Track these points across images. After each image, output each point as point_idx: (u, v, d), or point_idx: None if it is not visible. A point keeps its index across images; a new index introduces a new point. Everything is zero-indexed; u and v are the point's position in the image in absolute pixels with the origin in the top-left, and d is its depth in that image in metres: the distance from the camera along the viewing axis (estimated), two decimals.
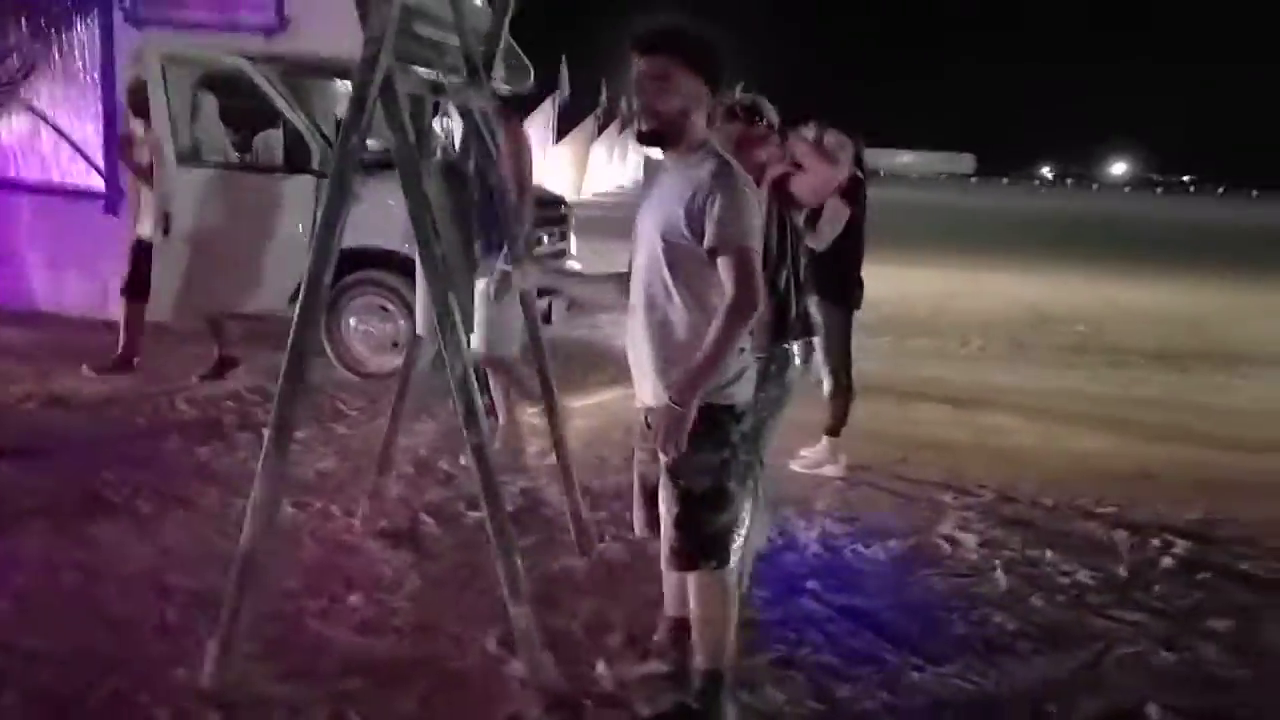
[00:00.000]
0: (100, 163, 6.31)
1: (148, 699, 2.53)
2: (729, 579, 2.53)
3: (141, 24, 5.99)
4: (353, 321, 5.99)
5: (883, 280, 10.64)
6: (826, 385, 4.66)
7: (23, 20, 6.20)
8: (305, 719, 2.50)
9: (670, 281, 2.36)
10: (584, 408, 5.55)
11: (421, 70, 3.73)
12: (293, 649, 2.84)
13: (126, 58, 5.96)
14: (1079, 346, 8.78)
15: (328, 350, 5.98)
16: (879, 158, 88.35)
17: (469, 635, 2.95)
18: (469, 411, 2.61)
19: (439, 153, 6.48)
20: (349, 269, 5.79)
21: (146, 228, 5.74)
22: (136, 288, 5.75)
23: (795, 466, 4.68)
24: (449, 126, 7.01)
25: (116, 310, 5.93)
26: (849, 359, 4.65)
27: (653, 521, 2.59)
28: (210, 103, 6.34)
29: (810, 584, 3.47)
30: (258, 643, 2.75)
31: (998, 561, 3.74)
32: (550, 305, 6.55)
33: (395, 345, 5.89)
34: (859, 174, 4.69)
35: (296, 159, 6.04)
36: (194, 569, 3.25)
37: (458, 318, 2.69)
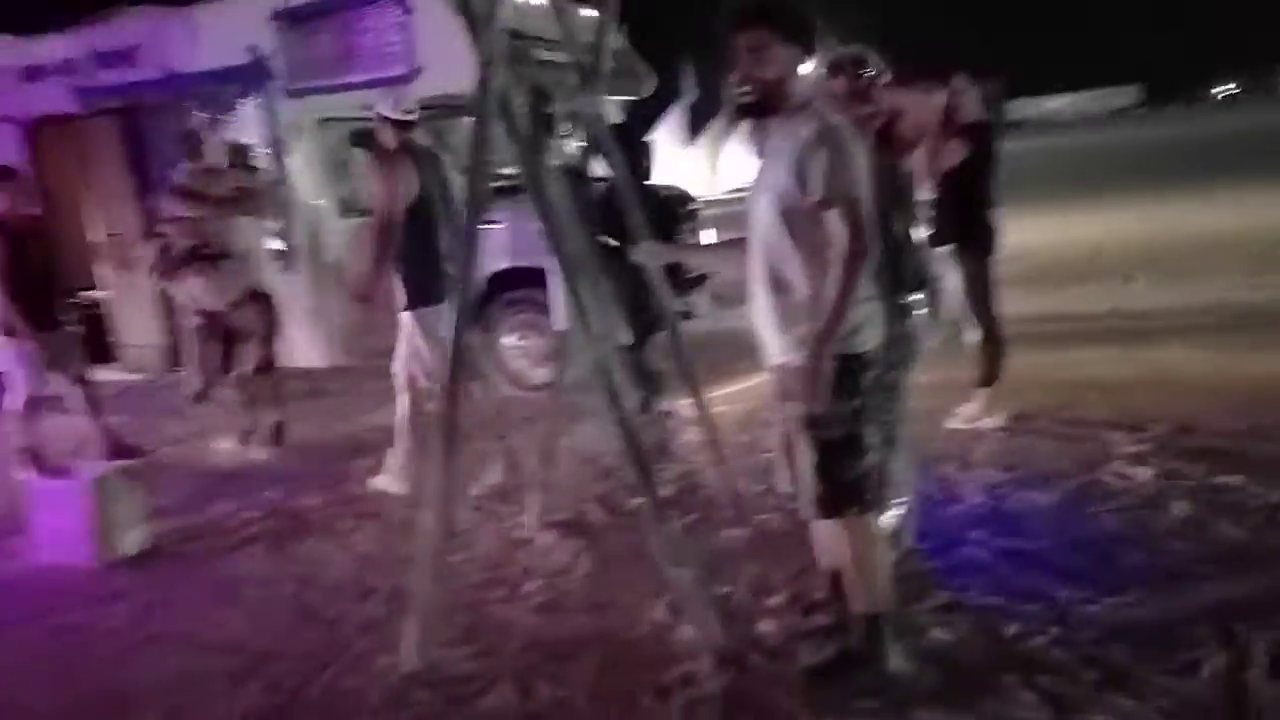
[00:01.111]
0: (279, 226, 6.94)
1: (362, 684, 2.84)
2: (872, 524, 2.58)
3: (297, 95, 6.58)
4: (509, 339, 6.34)
5: (1036, 230, 10.28)
6: (972, 336, 4.58)
7: (202, 112, 6.91)
8: (498, 689, 2.74)
9: (786, 242, 2.44)
10: (733, 394, 5.65)
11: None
12: (480, 632, 3.09)
13: (285, 128, 6.57)
14: (1258, 268, 8.07)
15: (488, 371, 6.34)
16: (1025, 108, 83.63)
17: (639, 608, 3.12)
18: (610, 392, 2.79)
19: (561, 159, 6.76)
20: (500, 290, 6.15)
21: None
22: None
23: (952, 424, 4.62)
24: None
25: (310, 356, 6.53)
26: (992, 306, 4.55)
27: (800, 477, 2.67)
28: (363, 156, 6.89)
29: (973, 533, 3.44)
30: (450, 630, 3.03)
31: (1177, 492, 3.57)
32: (693, 299, 6.70)
33: (551, 357, 6.20)
34: (985, 119, 4.60)
35: (445, 196, 6.46)
36: (389, 571, 3.58)
37: (591, 307, 2.87)
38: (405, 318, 4.46)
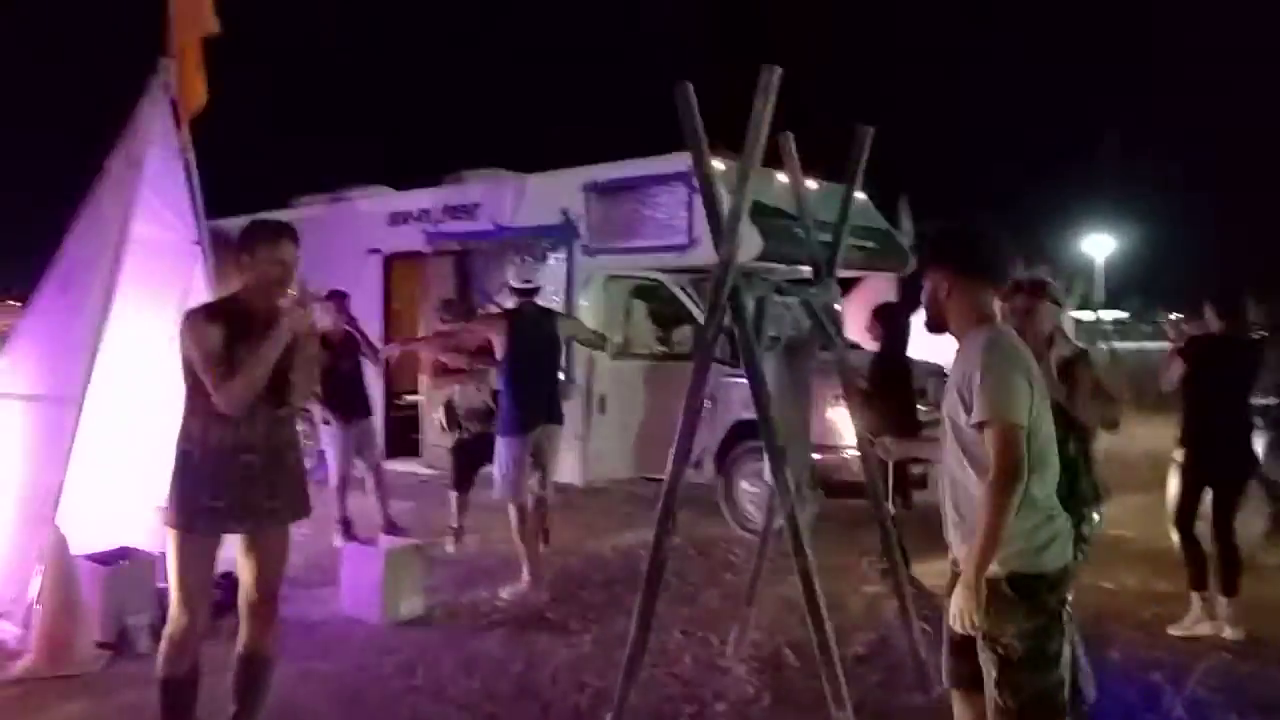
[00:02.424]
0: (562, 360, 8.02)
1: None
2: None
3: (594, 253, 7.74)
4: (744, 484, 6.85)
5: None
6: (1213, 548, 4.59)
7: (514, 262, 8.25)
8: None
9: (962, 456, 2.50)
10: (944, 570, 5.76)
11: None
12: None
13: (580, 279, 7.71)
14: None
15: (725, 511, 6.88)
16: None
17: None
18: (794, 539, 3.26)
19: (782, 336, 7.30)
20: (739, 439, 6.74)
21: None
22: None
23: (1174, 631, 4.54)
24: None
25: (569, 474, 7.41)
26: (1233, 527, 4.61)
27: (954, 674, 2.70)
28: (640, 308, 7.89)
29: None
30: None
31: None
32: (926, 471, 6.89)
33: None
34: (1222, 334, 4.68)
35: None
36: (600, 671, 4.14)
37: (787, 466, 3.37)
38: (500, 443, 5.49)
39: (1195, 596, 4.63)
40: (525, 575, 5.37)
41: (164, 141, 5.09)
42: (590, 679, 4.12)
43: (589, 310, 7.64)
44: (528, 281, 5.68)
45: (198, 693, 3.14)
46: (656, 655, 4.41)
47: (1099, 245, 46.65)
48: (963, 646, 2.61)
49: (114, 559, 4.61)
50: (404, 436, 8.75)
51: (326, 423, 6.49)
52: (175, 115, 5.14)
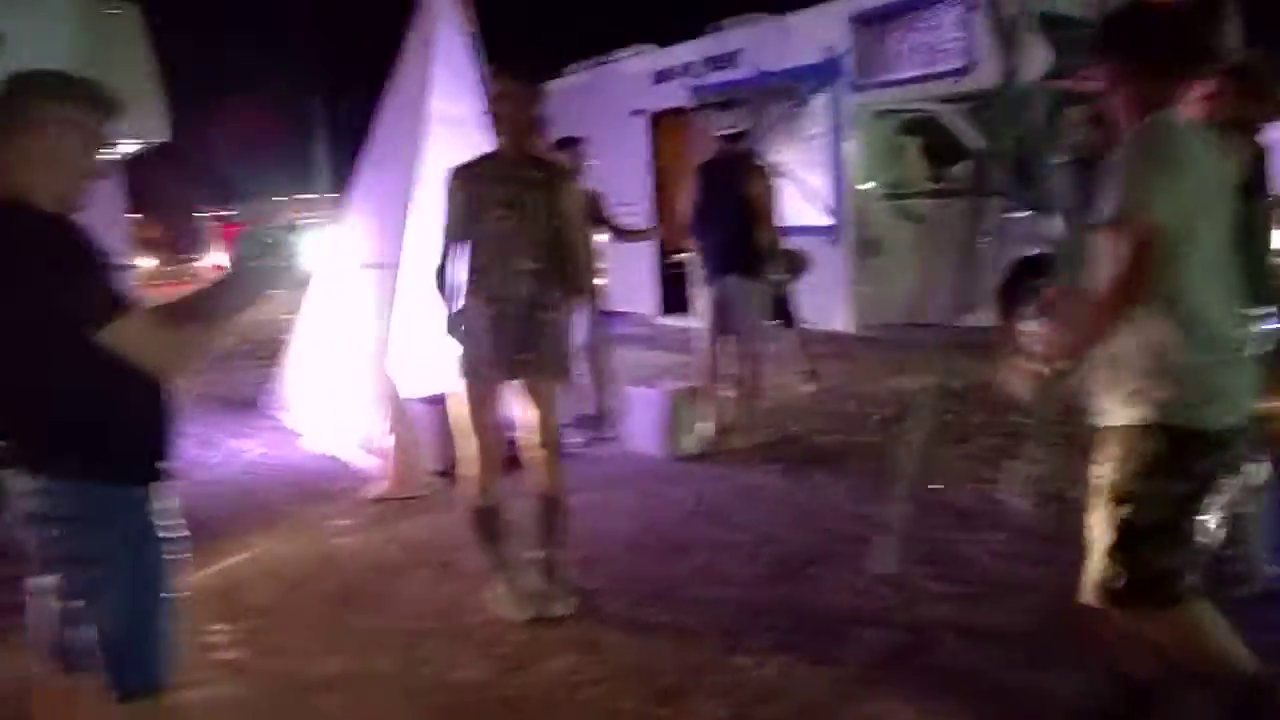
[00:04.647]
0: (831, 204, 7.86)
1: (841, 574, 3.60)
2: (1189, 613, 2.12)
3: (861, 89, 7.43)
4: (1029, 325, 6.51)
5: None
6: None
7: (779, 100, 8.10)
8: (948, 606, 3.28)
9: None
10: None
11: None
12: (942, 560, 3.64)
13: (847, 118, 7.46)
14: None
15: (1007, 352, 6.58)
16: None
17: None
18: None
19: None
20: (1022, 278, 6.38)
21: None
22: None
23: None
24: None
25: (840, 322, 7.39)
26: None
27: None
28: (911, 144, 7.52)
29: None
30: (919, 556, 3.61)
31: None
32: None
33: None
34: None
35: (985, 183, 6.81)
36: (873, 501, 4.24)
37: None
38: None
39: None
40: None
41: (450, 18, 5.47)
42: (869, 509, 4.23)
43: (856, 151, 7.42)
44: (732, 127, 5.59)
45: (504, 518, 3.43)
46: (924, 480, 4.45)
47: None
48: None
49: (439, 401, 5.28)
50: (675, 293, 9.09)
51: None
52: None
